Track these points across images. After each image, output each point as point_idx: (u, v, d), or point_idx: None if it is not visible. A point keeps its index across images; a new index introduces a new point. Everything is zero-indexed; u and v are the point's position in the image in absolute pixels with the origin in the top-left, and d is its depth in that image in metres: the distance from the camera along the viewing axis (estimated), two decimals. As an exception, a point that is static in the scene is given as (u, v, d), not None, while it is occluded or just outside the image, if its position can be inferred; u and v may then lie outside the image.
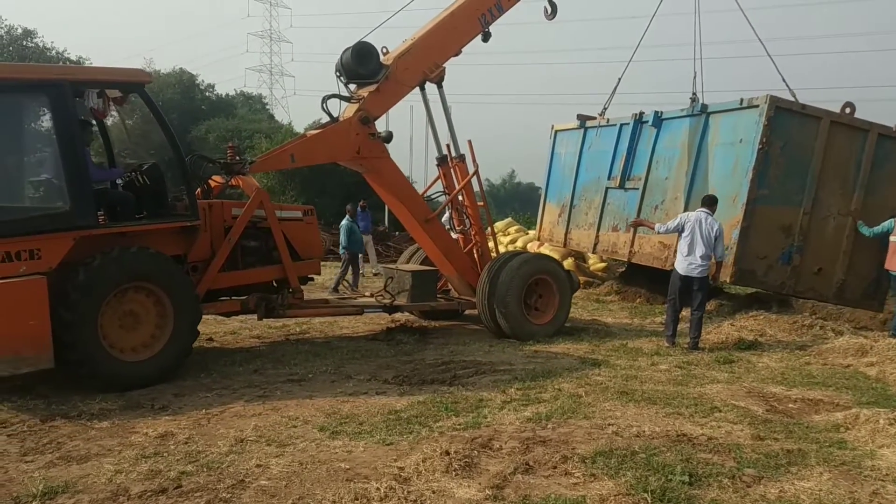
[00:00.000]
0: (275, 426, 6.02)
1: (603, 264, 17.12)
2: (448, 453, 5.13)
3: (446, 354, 8.97)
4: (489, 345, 9.65)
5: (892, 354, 8.59)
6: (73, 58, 41.46)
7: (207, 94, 52.13)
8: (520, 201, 53.00)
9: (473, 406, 6.60)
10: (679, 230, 9.66)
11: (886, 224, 10.83)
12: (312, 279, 9.98)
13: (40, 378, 7.36)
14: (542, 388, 7.23)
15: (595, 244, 14.37)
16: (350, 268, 15.14)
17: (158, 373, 7.46)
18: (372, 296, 10.85)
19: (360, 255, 16.41)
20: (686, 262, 9.51)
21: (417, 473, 4.88)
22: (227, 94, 58.39)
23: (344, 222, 15.63)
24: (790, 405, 6.80)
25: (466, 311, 11.48)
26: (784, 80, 12.48)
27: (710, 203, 9.74)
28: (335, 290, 13.97)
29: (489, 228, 11.61)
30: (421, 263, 11.51)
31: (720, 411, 6.44)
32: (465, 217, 11.14)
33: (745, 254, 10.85)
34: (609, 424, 5.98)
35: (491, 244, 11.70)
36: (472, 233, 11.12)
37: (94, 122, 8.50)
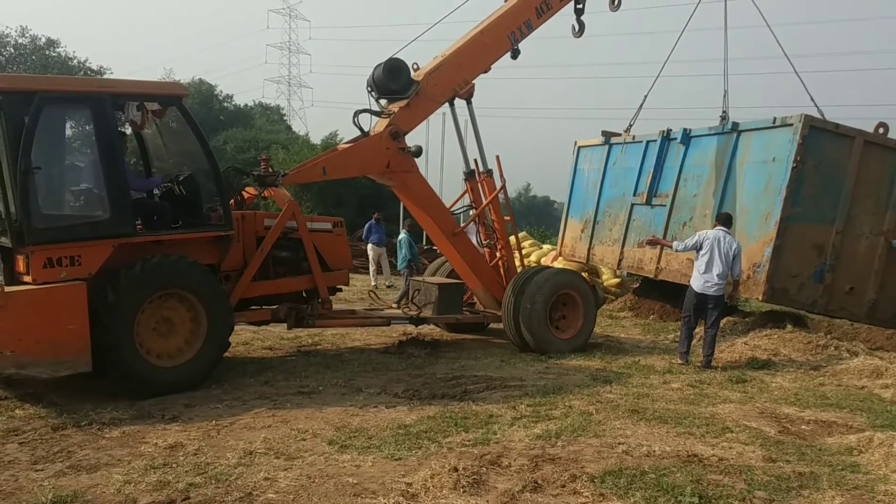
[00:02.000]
0: (284, 439, 6.03)
1: (617, 280, 17.05)
2: (456, 469, 5.11)
3: (457, 369, 8.96)
4: (500, 360, 9.63)
5: (908, 377, 8.50)
6: (95, 67, 41.98)
7: (226, 104, 52.61)
8: (535, 215, 52.93)
9: (483, 422, 6.58)
10: (697, 248, 9.64)
11: None
12: (341, 290, 10.12)
13: (52, 386, 7.43)
14: (552, 405, 7.19)
15: (620, 260, 14.32)
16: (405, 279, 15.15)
17: (190, 379, 7.65)
18: (398, 307, 10.88)
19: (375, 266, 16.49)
20: (703, 280, 9.49)
21: (425, 490, 4.87)
22: (246, 105, 58.90)
23: (403, 236, 15.80)
24: (803, 427, 6.74)
25: (491, 325, 11.47)
26: (811, 98, 12.50)
27: (726, 221, 9.74)
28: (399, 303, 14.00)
29: (516, 243, 11.64)
30: (447, 276, 11.58)
31: (732, 432, 6.38)
32: (491, 231, 11.20)
33: (777, 272, 10.77)
34: (619, 443, 5.94)
35: (517, 258, 11.70)
36: (499, 247, 11.17)
37: (128, 132, 8.73)
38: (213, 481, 5.04)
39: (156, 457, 5.57)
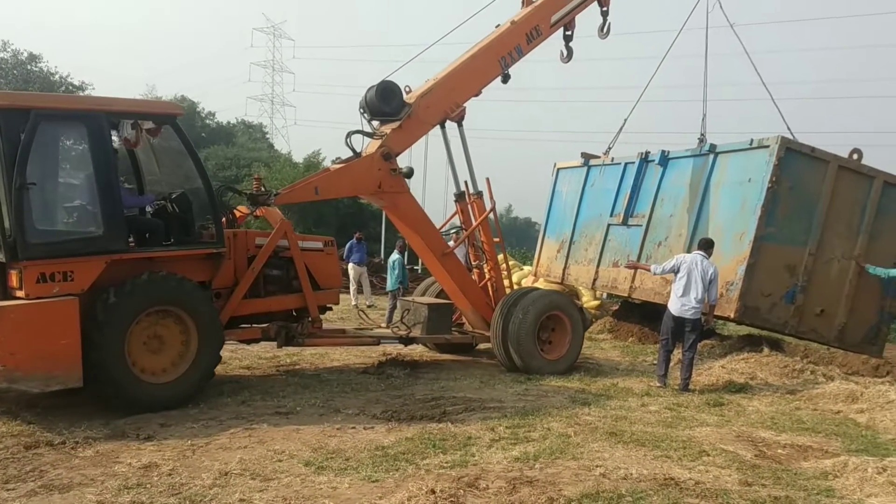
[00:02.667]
0: (260, 460, 5.98)
1: (596, 302, 17.11)
2: (434, 492, 5.09)
3: (436, 390, 8.93)
4: (480, 381, 9.62)
5: (882, 402, 8.59)
6: (77, 83, 41.76)
7: (208, 121, 52.48)
8: (517, 236, 53.09)
9: (461, 444, 6.56)
10: (675, 271, 9.72)
11: None
12: (331, 308, 10.15)
13: (25, 404, 7.34)
14: (531, 427, 7.19)
15: (594, 279, 14.41)
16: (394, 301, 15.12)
17: (179, 396, 7.68)
18: (388, 327, 10.93)
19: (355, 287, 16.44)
20: (679, 303, 9.57)
21: (402, 512, 4.84)
22: (228, 122, 58.84)
23: (396, 256, 15.75)
24: (779, 451, 6.78)
25: (480, 345, 11.49)
26: (786, 124, 12.77)
27: (707, 246, 9.83)
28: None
29: (504, 264, 11.73)
30: (436, 296, 11.62)
31: (709, 455, 6.41)
32: (481, 252, 11.28)
33: (750, 290, 10.88)
34: (597, 466, 5.95)
35: (506, 279, 11.75)
36: (488, 268, 11.25)
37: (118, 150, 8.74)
38: (188, 502, 4.99)
39: (130, 477, 5.50)
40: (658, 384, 9.60)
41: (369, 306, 17.49)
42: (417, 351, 11.71)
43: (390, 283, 15.87)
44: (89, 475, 5.53)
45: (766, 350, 11.53)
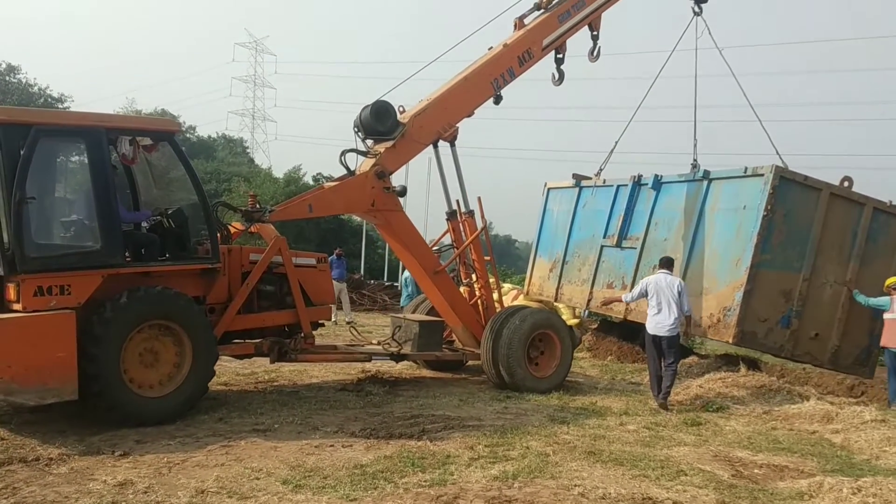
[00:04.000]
0: (237, 477, 5.93)
1: (576, 320, 17.14)
2: (412, 511, 5.07)
3: (416, 408, 8.91)
4: (459, 399, 9.61)
5: (857, 422, 8.67)
6: (56, 95, 41.52)
7: (188, 135, 52.25)
8: (497, 254, 53.29)
9: (440, 462, 6.54)
10: (644, 294, 9.98)
11: (884, 301, 10.99)
12: (323, 324, 10.19)
13: (-1, 420, 7.23)
14: (510, 446, 7.19)
15: (589, 300, 14.45)
16: None
17: (173, 410, 7.74)
18: (379, 343, 10.99)
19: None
20: (655, 322, 9.78)
21: (380, 531, 4.82)
22: (209, 136, 58.67)
23: (409, 274, 15.71)
24: (756, 471, 6.82)
25: (469, 363, 11.53)
26: (774, 147, 12.91)
27: (668, 264, 10.19)
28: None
29: (495, 282, 11.79)
30: (426, 314, 11.65)
31: (686, 475, 6.44)
32: (472, 271, 11.35)
33: (747, 316, 10.99)
34: (575, 485, 5.95)
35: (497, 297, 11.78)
36: (478, 286, 11.31)
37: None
38: (163, 521, 4.93)
39: (104, 494, 5.43)
40: (657, 402, 9.71)
41: (348, 323, 17.39)
42: (397, 368, 11.69)
43: (403, 300, 15.96)
44: (63, 492, 5.46)
45: (743, 369, 11.62)
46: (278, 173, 44.81)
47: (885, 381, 11.47)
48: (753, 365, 12.68)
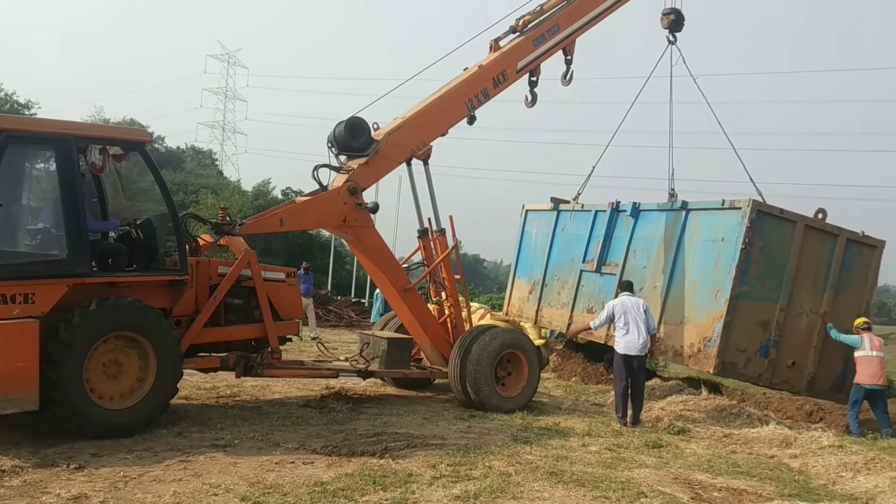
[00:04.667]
0: (195, 493, 5.84)
1: (542, 341, 17.19)
2: (371, 529, 5.03)
3: (379, 425, 8.86)
4: (423, 417, 9.57)
5: (815, 447, 8.79)
6: (22, 101, 40.96)
7: (157, 145, 51.77)
8: (465, 273, 53.35)
9: (402, 481, 6.51)
10: (611, 318, 10.21)
11: (854, 339, 11.21)
12: (290, 339, 10.14)
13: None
14: (472, 465, 7.17)
15: (569, 324, 14.54)
16: None
17: (136, 422, 7.64)
18: (347, 359, 10.92)
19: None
20: (625, 343, 10.01)
21: (338, 550, 4.77)
22: (178, 148, 58.23)
23: (379, 291, 15.65)
24: (715, 494, 6.87)
25: (437, 381, 11.51)
26: (749, 176, 13.20)
27: (628, 287, 10.56)
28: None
29: (465, 301, 11.80)
30: (396, 331, 11.62)
31: (646, 497, 6.47)
32: (441, 289, 11.34)
33: (727, 346, 11.18)
34: (536, 506, 5.95)
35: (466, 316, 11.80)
36: (448, 304, 11.31)
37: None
38: (117, 536, 4.84)
39: (57, 509, 5.32)
40: (619, 424, 9.85)
41: (314, 338, 17.29)
42: (361, 385, 11.62)
43: (374, 316, 15.96)
44: (14, 506, 5.34)
45: (704, 393, 11.75)
46: (247, 186, 44.61)
47: (843, 409, 11.67)
48: (715, 388, 12.84)
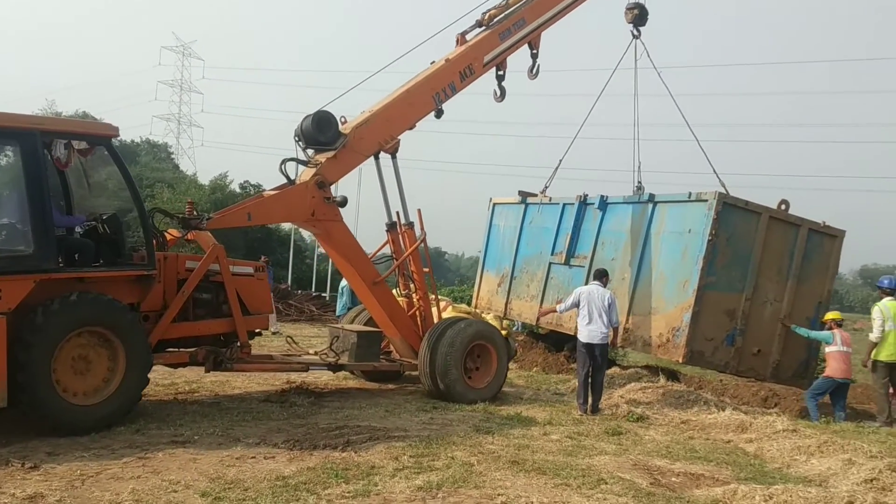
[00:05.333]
0: (154, 490, 5.76)
1: (505, 332, 17.31)
2: (334, 522, 5.02)
3: (341, 419, 8.83)
4: (385, 409, 9.57)
5: (770, 432, 8.98)
6: (-30, 93, 39.85)
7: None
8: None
9: (364, 473, 6.50)
10: (577, 304, 10.31)
11: (826, 334, 11.47)
12: (260, 334, 10.10)
13: None
14: (435, 456, 7.19)
15: (539, 317, 14.64)
16: None
17: (105, 418, 7.60)
18: (316, 353, 10.88)
19: None
20: (587, 332, 10.16)
21: (301, 543, 4.75)
22: (132, 141, 57.20)
23: (345, 283, 15.53)
24: (673, 479, 6.99)
25: (407, 373, 11.52)
26: (713, 167, 13.45)
27: (601, 276, 10.58)
28: None
29: (433, 294, 11.83)
30: (365, 324, 11.62)
31: (606, 483, 6.56)
32: (410, 282, 11.35)
33: (695, 336, 11.43)
34: (499, 494, 6.00)
35: (434, 309, 11.77)
36: (417, 297, 11.32)
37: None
38: (74, 536, 4.76)
39: (12, 509, 5.21)
40: (580, 412, 9.99)
41: (274, 333, 17.14)
42: (322, 379, 11.57)
43: (339, 309, 15.95)
44: (-34, 508, 5.22)
45: (662, 380, 11.93)
46: (204, 180, 43.98)
47: (797, 394, 11.95)
48: (673, 376, 13.07)
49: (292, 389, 10.37)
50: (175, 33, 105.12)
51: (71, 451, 6.79)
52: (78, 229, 8.51)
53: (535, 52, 12.46)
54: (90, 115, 48.96)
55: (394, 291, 11.52)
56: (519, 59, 12.17)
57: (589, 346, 10.14)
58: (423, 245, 11.46)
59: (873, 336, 10.79)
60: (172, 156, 64.00)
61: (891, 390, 11.00)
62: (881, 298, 11.08)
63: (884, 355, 10.75)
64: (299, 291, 28.00)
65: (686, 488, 6.70)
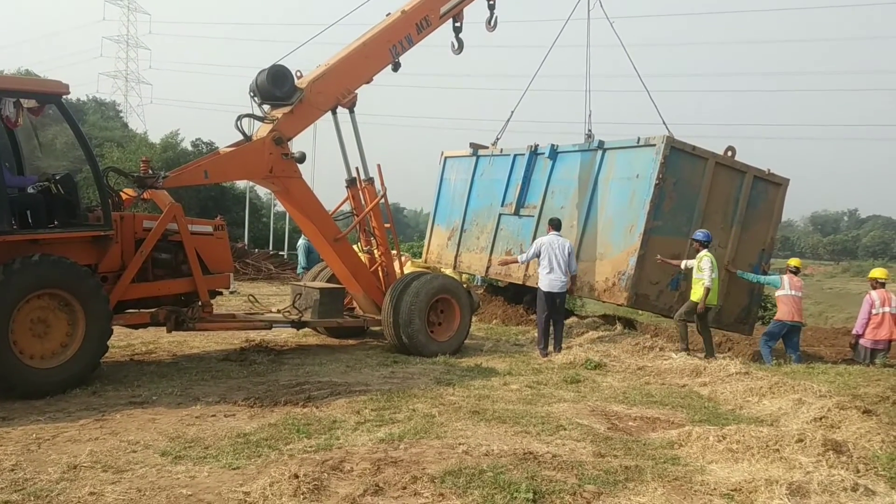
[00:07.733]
0: (112, 451, 5.71)
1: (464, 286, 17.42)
2: (297, 476, 5.02)
3: (301, 375, 8.83)
4: (346, 365, 9.59)
5: (723, 375, 9.22)
6: None
7: (55, 97, 49.26)
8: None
9: (326, 428, 6.52)
10: (537, 255, 10.57)
11: (773, 279, 11.69)
12: (221, 293, 10.04)
13: None
14: (396, 409, 7.24)
15: (488, 267, 14.71)
16: None
17: (67, 380, 7.54)
18: (279, 311, 10.84)
19: None
20: (548, 280, 10.48)
21: (264, 498, 4.77)
22: (78, 100, 55.54)
23: (302, 241, 15.43)
24: (630, 423, 7.15)
25: (370, 329, 11.52)
26: (661, 117, 13.50)
27: (557, 225, 10.89)
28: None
29: (395, 249, 11.80)
30: (327, 281, 11.55)
31: (565, 429, 6.67)
32: (372, 237, 11.33)
33: (640, 279, 11.56)
34: (460, 444, 6.06)
35: (396, 264, 11.78)
36: (379, 253, 11.30)
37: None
38: (33, 498, 4.70)
39: (-35, 475, 5.12)
40: (542, 357, 10.32)
41: (232, 292, 16.97)
42: (282, 337, 11.54)
43: (300, 268, 15.89)
44: (-82, 475, 5.11)
45: (619, 328, 12.13)
46: (155, 138, 43.00)
47: (751, 339, 12.27)
48: (629, 324, 13.30)
49: (251, 348, 10.33)
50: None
51: (26, 414, 6.69)
52: (31, 190, 8.29)
53: (491, 3, 12.35)
54: (33, 72, 47.35)
55: (354, 247, 11.49)
56: (475, 11, 12.04)
57: (549, 295, 10.37)
58: (383, 201, 11.40)
59: (708, 282, 10.89)
60: (121, 114, 62.45)
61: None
62: (698, 251, 11.17)
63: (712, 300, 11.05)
64: (256, 250, 27.76)
65: (643, 432, 6.86)
